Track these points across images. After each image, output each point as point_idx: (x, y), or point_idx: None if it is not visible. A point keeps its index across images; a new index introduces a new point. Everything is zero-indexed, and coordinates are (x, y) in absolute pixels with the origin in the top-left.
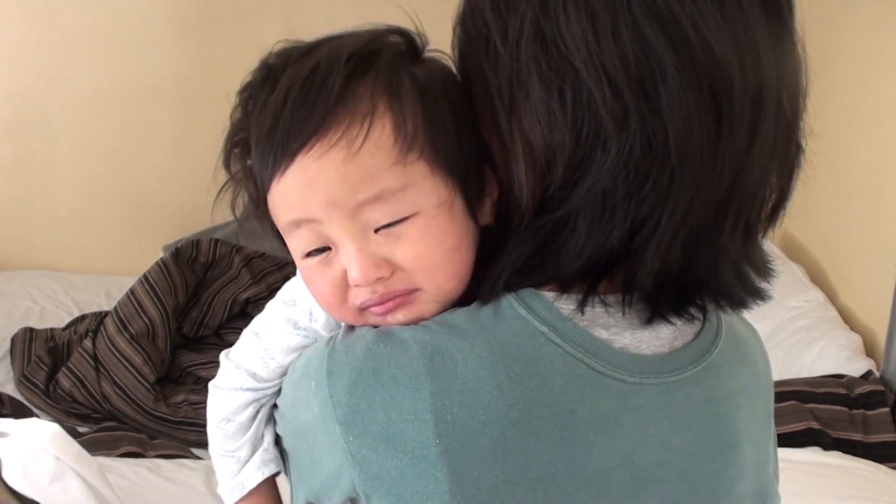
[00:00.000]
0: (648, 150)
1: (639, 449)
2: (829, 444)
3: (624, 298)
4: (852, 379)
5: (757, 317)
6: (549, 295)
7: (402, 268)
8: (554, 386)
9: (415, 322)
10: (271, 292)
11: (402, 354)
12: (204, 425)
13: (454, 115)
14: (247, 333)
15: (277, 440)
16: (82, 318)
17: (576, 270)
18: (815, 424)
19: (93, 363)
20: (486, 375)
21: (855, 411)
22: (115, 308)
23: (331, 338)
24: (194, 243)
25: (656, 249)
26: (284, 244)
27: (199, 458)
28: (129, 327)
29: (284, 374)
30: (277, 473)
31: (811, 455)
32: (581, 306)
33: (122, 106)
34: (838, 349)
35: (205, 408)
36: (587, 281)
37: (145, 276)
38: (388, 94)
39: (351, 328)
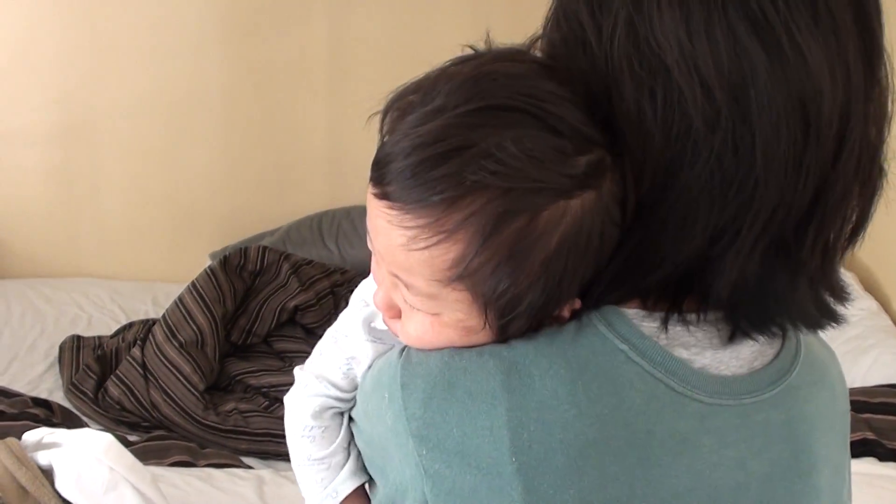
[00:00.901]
0: (735, 155)
1: (716, 472)
2: (884, 454)
3: (699, 311)
4: None
5: None
6: (630, 312)
7: (402, 327)
8: (632, 406)
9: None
10: (319, 300)
11: (478, 369)
12: (254, 434)
13: (538, 273)
14: (324, 342)
15: None
16: (130, 325)
17: (657, 282)
18: (870, 435)
19: (141, 371)
20: (564, 393)
21: None
22: (164, 316)
23: (404, 348)
24: (242, 251)
25: (735, 259)
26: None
27: (249, 467)
28: (178, 335)
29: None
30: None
31: (867, 466)
32: (664, 324)
33: (168, 111)
34: (893, 358)
35: (255, 416)
36: (668, 296)
37: (193, 284)
38: (475, 234)
39: None
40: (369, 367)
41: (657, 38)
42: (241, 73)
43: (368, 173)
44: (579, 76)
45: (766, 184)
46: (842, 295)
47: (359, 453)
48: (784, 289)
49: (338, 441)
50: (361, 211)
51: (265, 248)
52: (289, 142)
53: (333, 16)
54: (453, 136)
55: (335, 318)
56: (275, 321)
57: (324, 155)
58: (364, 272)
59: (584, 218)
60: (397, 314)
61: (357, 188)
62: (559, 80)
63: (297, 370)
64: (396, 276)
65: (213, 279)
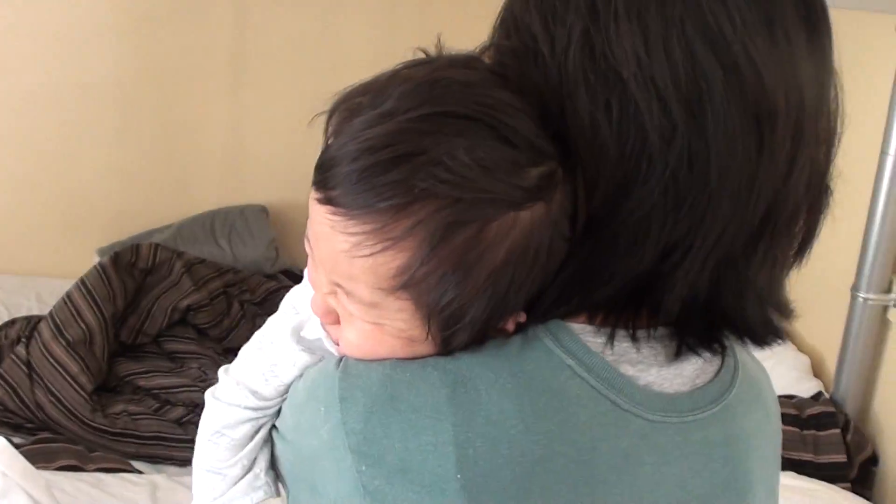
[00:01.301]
0: (690, 171)
1: (658, 490)
2: (782, 464)
3: (649, 326)
4: (802, 399)
5: None
6: (577, 327)
7: (341, 334)
8: (577, 422)
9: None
10: (212, 300)
11: (422, 382)
12: (144, 437)
13: (484, 285)
14: (249, 348)
15: (272, 462)
16: (12, 322)
17: (605, 298)
18: None
19: (26, 370)
20: (511, 409)
21: (806, 432)
22: (51, 313)
23: (340, 359)
24: (134, 247)
25: (686, 275)
26: None
27: (139, 471)
28: (66, 333)
29: (285, 392)
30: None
31: None
32: (610, 340)
33: (59, 103)
34: (787, 369)
35: (144, 418)
36: (615, 312)
37: (82, 281)
38: (422, 242)
39: None
40: (299, 376)
41: (614, 50)
42: (136, 65)
43: (267, 172)
44: (531, 87)
45: (720, 200)
46: (786, 311)
47: (267, 468)
48: (732, 305)
49: (241, 454)
50: (255, 210)
51: (157, 245)
52: (185, 137)
53: (237, 8)
54: (403, 142)
55: (227, 319)
56: (166, 321)
57: (220, 152)
58: (256, 271)
59: (532, 231)
60: (335, 320)
61: (252, 187)
62: (512, 89)
63: (221, 371)
64: (337, 284)
65: (104, 276)
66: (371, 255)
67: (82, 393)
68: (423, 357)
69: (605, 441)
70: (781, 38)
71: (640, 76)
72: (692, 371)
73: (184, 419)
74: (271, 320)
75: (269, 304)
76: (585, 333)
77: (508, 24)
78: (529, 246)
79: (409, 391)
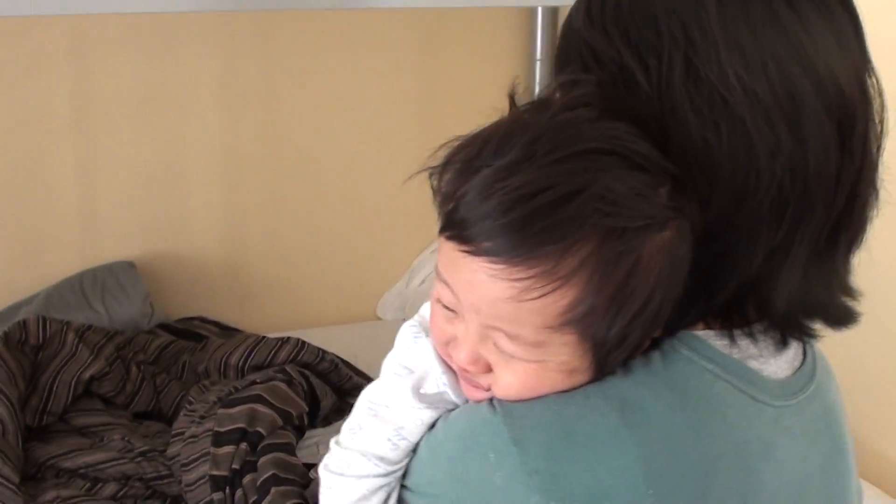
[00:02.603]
0: (792, 180)
1: (793, 469)
2: None
3: (754, 322)
4: None
5: None
6: (702, 334)
7: (493, 379)
8: (730, 420)
9: (482, 399)
10: (111, 365)
11: (591, 412)
12: None
13: (637, 309)
14: (359, 418)
15: None
16: None
17: (722, 303)
18: None
19: None
20: (679, 420)
21: None
22: None
23: (492, 404)
24: (21, 324)
25: (789, 272)
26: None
27: None
28: None
29: (412, 452)
30: None
31: None
32: (732, 340)
33: None
34: None
35: (80, 500)
36: (725, 316)
37: None
38: (591, 274)
39: None
40: (429, 431)
41: (716, 75)
42: None
43: (127, 225)
44: (629, 115)
45: (815, 201)
46: (855, 295)
47: None
48: (823, 295)
49: None
50: (124, 266)
51: (45, 318)
52: (33, 200)
53: (76, 61)
54: (559, 183)
55: (129, 384)
56: (70, 395)
57: (74, 211)
58: (137, 330)
59: (676, 248)
60: (485, 368)
61: (114, 243)
62: (623, 120)
63: (332, 443)
64: (495, 328)
65: (0, 359)
66: (540, 297)
67: (10, 486)
68: (578, 387)
69: (751, 433)
70: (845, 46)
71: (745, 97)
72: (791, 356)
73: (119, 494)
74: (376, 386)
75: (164, 362)
76: (711, 339)
77: (586, 59)
78: (675, 263)
79: (582, 423)
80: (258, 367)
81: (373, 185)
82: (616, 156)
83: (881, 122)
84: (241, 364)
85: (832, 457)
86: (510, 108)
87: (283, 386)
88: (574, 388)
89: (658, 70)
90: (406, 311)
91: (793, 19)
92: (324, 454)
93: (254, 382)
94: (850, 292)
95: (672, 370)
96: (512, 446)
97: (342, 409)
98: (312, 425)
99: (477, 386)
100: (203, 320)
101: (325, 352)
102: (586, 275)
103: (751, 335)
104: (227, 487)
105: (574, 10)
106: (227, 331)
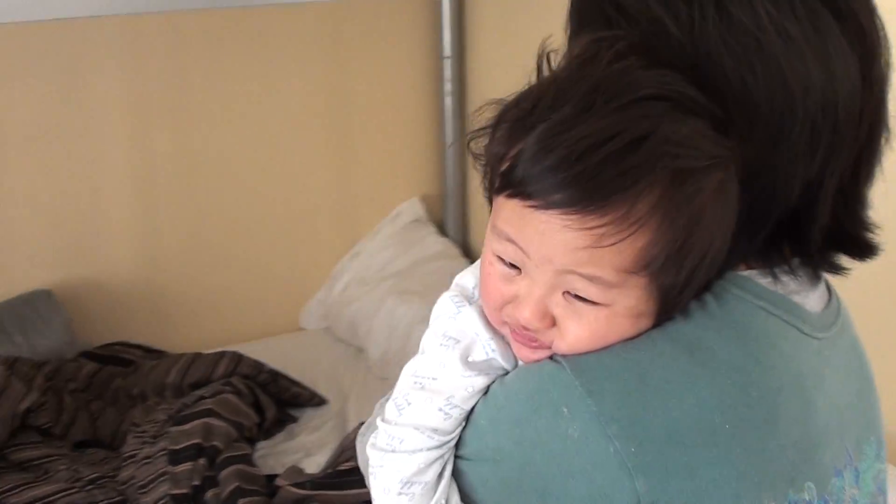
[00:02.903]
0: (824, 115)
1: (836, 394)
2: None
3: (790, 259)
4: None
5: None
6: (747, 273)
7: (559, 333)
8: (786, 353)
9: (535, 360)
10: (44, 395)
11: (661, 357)
12: None
13: (703, 250)
14: (405, 393)
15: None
16: None
17: (761, 242)
18: None
19: None
20: (741, 356)
21: None
22: None
23: (557, 360)
24: None
25: (823, 206)
26: (489, 205)
27: None
28: None
29: (465, 421)
30: None
31: None
32: (775, 278)
33: None
34: None
35: None
36: (768, 253)
37: None
38: (663, 217)
39: None
40: (484, 397)
41: (749, 16)
42: None
43: (41, 253)
44: (670, 64)
45: (844, 135)
46: (873, 228)
47: (458, 500)
48: (850, 227)
49: (437, 496)
50: (41, 295)
51: None
52: None
53: None
54: (626, 129)
55: (65, 414)
56: (7, 430)
57: None
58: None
59: (731, 188)
60: (550, 323)
61: (29, 272)
62: (666, 67)
63: (379, 421)
64: (570, 272)
65: None
66: (617, 242)
67: None
68: (641, 334)
69: (804, 365)
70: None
71: (777, 36)
72: (822, 291)
73: None
74: (420, 361)
75: (96, 389)
76: (756, 277)
77: (611, 16)
78: (730, 202)
79: (652, 367)
80: (198, 384)
81: (287, 196)
82: (672, 101)
83: (886, 63)
84: (179, 382)
85: (864, 387)
86: (540, 73)
87: (233, 398)
88: (638, 337)
89: (690, 17)
90: (330, 320)
91: None
92: (282, 464)
93: (202, 398)
94: (868, 225)
95: (727, 309)
96: (587, 398)
97: (283, 420)
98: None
99: (535, 346)
100: (125, 344)
101: (262, 364)
102: (658, 217)
103: (790, 272)
104: None
105: None
106: (151, 353)
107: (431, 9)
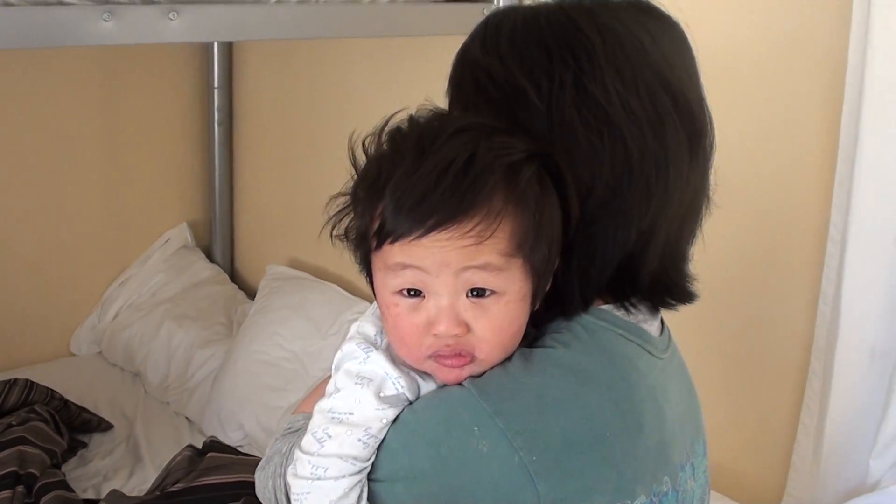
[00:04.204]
0: (657, 175)
1: (676, 405)
2: None
3: (638, 298)
4: None
5: None
6: (605, 307)
7: (475, 335)
8: (642, 371)
9: (461, 379)
10: None
11: (553, 380)
12: None
13: (550, 233)
14: (323, 428)
15: None
16: None
17: (606, 281)
18: None
19: None
20: (612, 375)
21: None
22: None
23: (464, 387)
24: None
25: (653, 253)
26: (366, 272)
27: None
28: None
29: (377, 449)
30: None
31: None
32: (626, 310)
33: None
34: None
35: None
36: (614, 292)
37: None
38: (516, 204)
39: (443, 386)
40: (393, 424)
41: (601, 91)
42: None
43: None
44: (526, 125)
45: (672, 196)
46: (691, 280)
47: None
48: (674, 275)
49: None
50: None
51: None
52: None
53: None
54: (458, 154)
55: None
56: None
57: None
58: None
59: (547, 180)
60: (465, 329)
61: None
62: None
63: (300, 454)
64: (467, 268)
65: None
66: (492, 234)
67: None
68: (534, 351)
69: (655, 379)
70: (693, 73)
71: (622, 110)
72: (658, 320)
73: None
74: (335, 399)
75: None
76: (612, 310)
77: (482, 81)
78: (552, 192)
79: (547, 389)
80: None
81: (58, 221)
82: (476, 129)
83: (710, 143)
84: None
85: (691, 399)
86: (356, 160)
87: (42, 425)
88: (531, 365)
89: (550, 89)
90: (102, 345)
91: (654, 49)
92: (82, 489)
93: (10, 425)
94: (688, 276)
95: (596, 338)
96: (494, 417)
97: (74, 447)
98: None
99: (462, 362)
100: None
101: (52, 391)
102: (512, 205)
103: (635, 305)
104: None
105: (469, 41)
106: None
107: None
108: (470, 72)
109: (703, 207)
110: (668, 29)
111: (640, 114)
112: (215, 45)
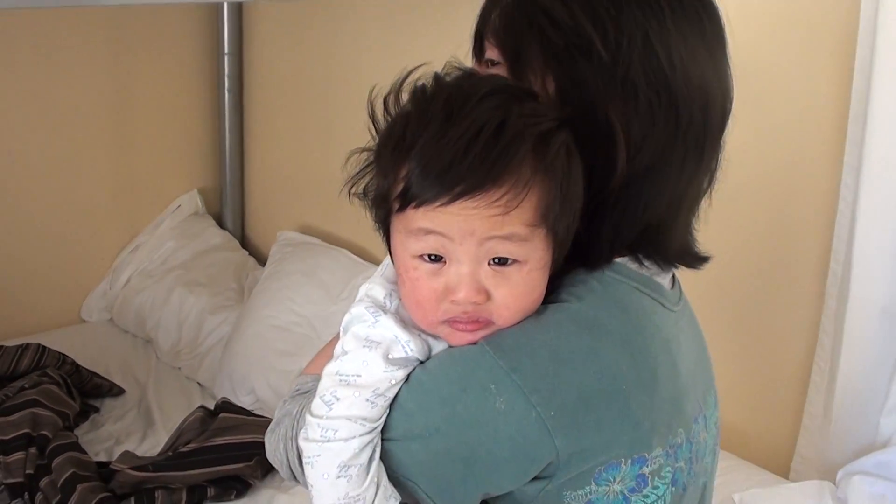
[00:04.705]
0: (696, 148)
1: (689, 358)
2: None
3: (658, 252)
4: None
5: None
6: (620, 261)
7: (494, 302)
8: (656, 323)
9: (474, 341)
10: None
11: (568, 336)
12: None
13: (576, 202)
14: (332, 391)
15: None
16: None
17: (631, 240)
18: None
19: None
20: (627, 329)
21: None
22: None
23: (479, 346)
24: None
25: (681, 220)
26: (383, 231)
27: None
28: None
29: (389, 408)
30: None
31: None
32: (641, 264)
33: None
34: None
35: None
36: (633, 249)
37: None
38: (544, 174)
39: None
40: (405, 384)
41: (665, 55)
42: None
43: None
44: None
45: (700, 167)
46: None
47: (387, 480)
48: (691, 242)
49: (370, 475)
50: None
51: None
52: None
53: None
54: (487, 121)
55: None
56: None
57: None
58: None
59: (573, 148)
60: (485, 297)
61: None
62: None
63: (309, 417)
64: (491, 238)
65: None
66: (519, 204)
67: None
68: (548, 312)
69: (668, 332)
70: (724, 55)
71: (682, 78)
72: (670, 275)
73: None
74: (343, 361)
75: None
76: (627, 263)
77: (540, 22)
78: (579, 161)
79: (562, 344)
80: (4, 376)
81: (66, 189)
82: (507, 92)
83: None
84: None
85: (702, 351)
86: (374, 116)
87: (54, 388)
88: (546, 321)
89: (618, 41)
90: (113, 312)
91: (708, 26)
92: (94, 452)
93: (23, 388)
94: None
95: (610, 291)
96: (511, 374)
97: (86, 410)
98: None
99: (477, 327)
100: None
101: (64, 355)
102: (541, 175)
103: (650, 257)
104: (26, 493)
105: None
106: None
107: (211, 7)
108: (526, 14)
109: (712, 185)
110: (713, 8)
111: (694, 85)
112: (225, 11)
